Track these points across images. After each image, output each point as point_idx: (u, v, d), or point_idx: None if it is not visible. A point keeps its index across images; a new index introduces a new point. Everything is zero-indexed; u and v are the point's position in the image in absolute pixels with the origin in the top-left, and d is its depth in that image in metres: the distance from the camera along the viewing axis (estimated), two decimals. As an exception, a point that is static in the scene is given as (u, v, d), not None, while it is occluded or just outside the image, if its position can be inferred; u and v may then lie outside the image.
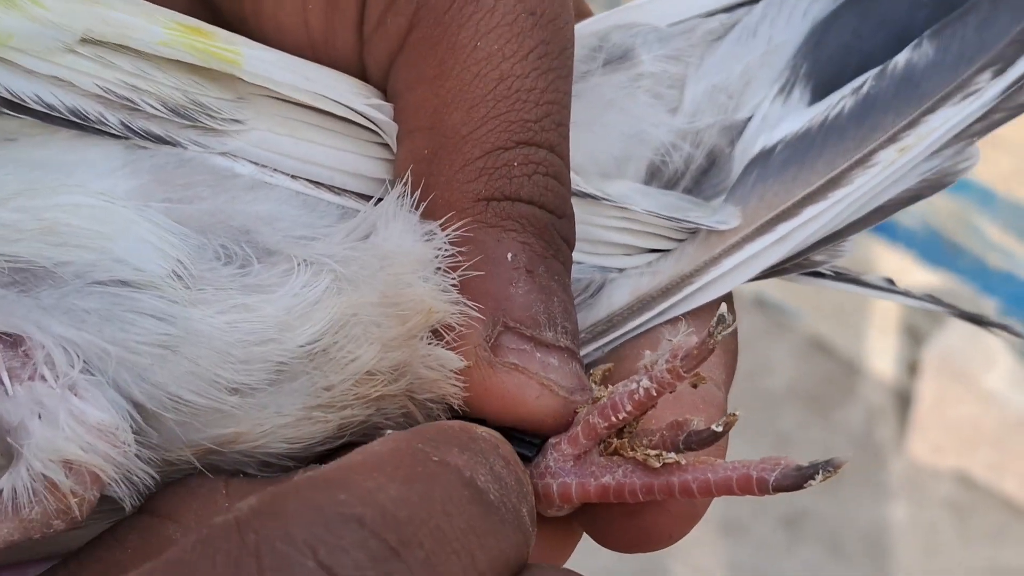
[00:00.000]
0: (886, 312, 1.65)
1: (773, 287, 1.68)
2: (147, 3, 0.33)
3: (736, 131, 0.39)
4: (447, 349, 0.33)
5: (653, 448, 0.32)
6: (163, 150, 0.32)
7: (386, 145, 0.34)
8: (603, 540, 0.34)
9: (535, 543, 0.32)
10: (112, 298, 0.31)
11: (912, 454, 1.58)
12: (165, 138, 0.32)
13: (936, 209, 1.56)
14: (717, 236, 0.37)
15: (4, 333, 0.30)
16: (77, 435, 0.30)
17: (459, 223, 0.33)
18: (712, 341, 0.30)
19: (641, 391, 0.32)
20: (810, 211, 0.37)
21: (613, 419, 0.32)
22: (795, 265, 0.39)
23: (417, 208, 0.33)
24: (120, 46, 0.32)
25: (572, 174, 0.35)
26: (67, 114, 0.31)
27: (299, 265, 0.32)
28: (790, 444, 1.56)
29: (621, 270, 0.38)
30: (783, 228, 0.37)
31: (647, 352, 0.32)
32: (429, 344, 0.33)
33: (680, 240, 0.38)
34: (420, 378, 0.33)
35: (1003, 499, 1.55)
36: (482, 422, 0.32)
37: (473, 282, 0.33)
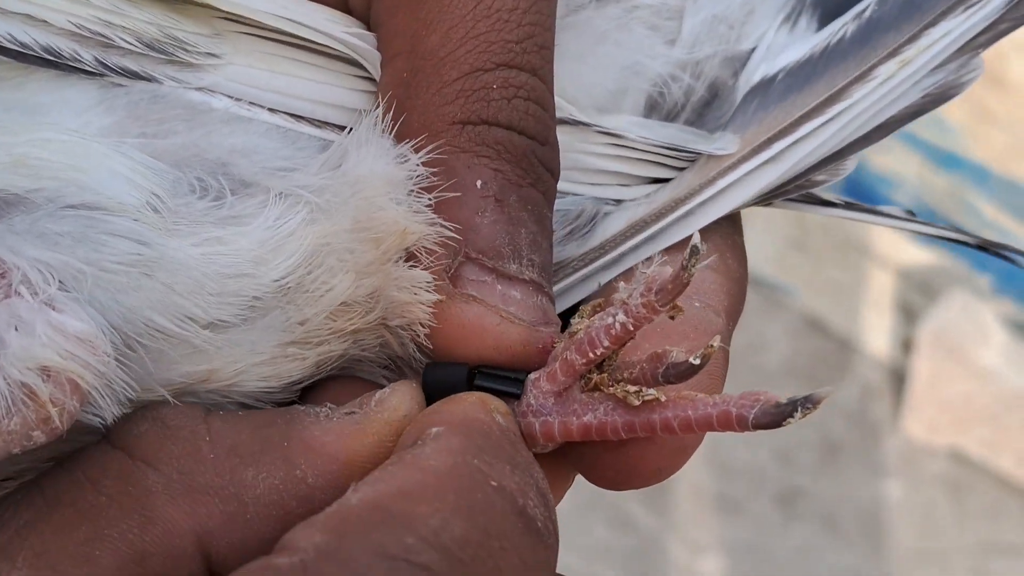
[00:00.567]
0: (881, 290, 1.65)
1: (768, 265, 1.67)
2: None
3: (740, 62, 0.39)
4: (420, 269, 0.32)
5: (633, 383, 0.32)
6: (138, 87, 0.32)
7: (369, 78, 0.34)
8: (593, 477, 0.34)
9: None
10: (85, 220, 0.30)
11: (907, 432, 1.58)
12: (141, 74, 0.32)
13: (931, 187, 1.56)
14: (715, 161, 0.37)
15: None
16: (55, 342, 0.29)
17: (431, 146, 0.32)
18: (686, 274, 0.30)
19: (617, 326, 0.31)
20: (807, 127, 0.37)
21: (590, 355, 0.32)
22: (797, 187, 0.38)
23: (393, 133, 0.33)
24: None
25: (564, 102, 0.34)
26: (41, 52, 0.31)
27: (274, 197, 0.32)
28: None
29: (619, 202, 0.37)
30: (779, 145, 0.37)
31: (622, 284, 0.32)
32: (400, 265, 0.33)
33: (680, 169, 0.37)
34: (392, 302, 0.33)
35: (998, 476, 1.55)
36: (464, 367, 0.32)
37: (440, 208, 0.32)
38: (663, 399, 0.31)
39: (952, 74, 0.38)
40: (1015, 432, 1.52)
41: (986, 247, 0.42)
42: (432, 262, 0.32)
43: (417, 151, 0.32)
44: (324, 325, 0.32)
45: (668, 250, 0.37)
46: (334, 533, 0.27)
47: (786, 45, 0.38)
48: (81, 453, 0.31)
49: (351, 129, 0.33)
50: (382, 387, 0.33)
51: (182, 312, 0.31)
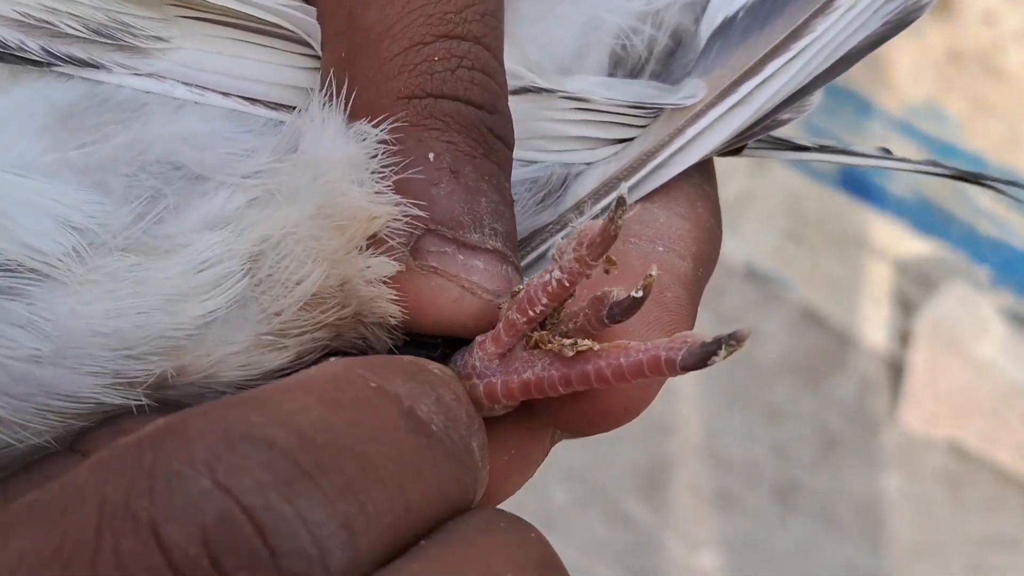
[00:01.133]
0: (878, 282, 1.65)
1: (765, 259, 1.67)
2: None
3: (700, 7, 0.38)
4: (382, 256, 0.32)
5: (579, 333, 0.31)
6: (79, 87, 0.31)
7: (319, 56, 0.33)
8: (564, 426, 0.33)
9: (500, 450, 0.32)
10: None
11: (905, 425, 1.58)
12: (89, 61, 0.31)
13: (928, 178, 1.56)
14: (682, 111, 0.36)
15: None
16: None
17: (383, 123, 0.31)
18: (613, 226, 0.29)
19: (553, 282, 0.31)
20: (772, 66, 0.36)
21: (531, 313, 0.31)
22: (763, 127, 0.37)
23: (346, 112, 0.32)
24: None
25: (525, 70, 0.34)
26: None
27: (228, 186, 0.31)
28: (782, 416, 1.56)
29: (589, 164, 0.36)
30: (746, 87, 0.36)
31: (558, 239, 0.31)
32: (365, 254, 0.32)
33: (646, 126, 0.37)
34: (360, 296, 0.32)
35: (996, 469, 1.55)
36: (428, 345, 0.32)
37: (394, 185, 0.32)
38: (596, 348, 0.31)
39: None
40: (1014, 425, 1.51)
41: (963, 177, 0.41)
42: (395, 242, 0.32)
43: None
44: (299, 316, 0.32)
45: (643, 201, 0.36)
46: (179, 415, 0.26)
47: None
48: (43, 458, 0.30)
49: (300, 110, 0.32)
50: None
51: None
